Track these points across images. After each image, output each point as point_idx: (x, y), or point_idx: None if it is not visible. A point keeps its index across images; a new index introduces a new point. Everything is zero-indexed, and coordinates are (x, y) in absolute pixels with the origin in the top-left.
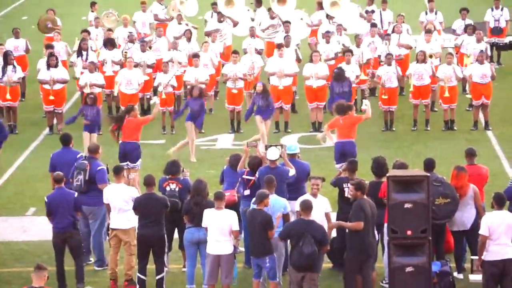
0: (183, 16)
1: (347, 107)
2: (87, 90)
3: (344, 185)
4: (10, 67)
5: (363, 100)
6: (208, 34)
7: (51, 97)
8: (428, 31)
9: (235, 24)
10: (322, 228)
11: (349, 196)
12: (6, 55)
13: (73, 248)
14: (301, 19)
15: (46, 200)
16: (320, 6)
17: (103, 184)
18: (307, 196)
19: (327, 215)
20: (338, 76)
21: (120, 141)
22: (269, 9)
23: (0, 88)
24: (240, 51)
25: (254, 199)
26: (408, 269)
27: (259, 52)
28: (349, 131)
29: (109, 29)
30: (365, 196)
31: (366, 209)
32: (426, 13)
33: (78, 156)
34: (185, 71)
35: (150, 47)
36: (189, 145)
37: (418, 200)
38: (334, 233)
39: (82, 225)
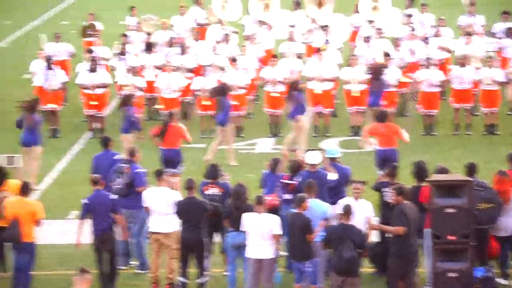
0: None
1: (387, 115)
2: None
3: (384, 190)
4: (51, 72)
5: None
6: (247, 38)
7: (93, 102)
8: (468, 34)
9: (271, 28)
10: (361, 233)
11: (391, 201)
12: (48, 60)
13: (110, 250)
14: (344, 21)
15: (87, 201)
16: (357, 9)
17: (142, 187)
18: (348, 200)
19: (368, 219)
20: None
21: (162, 148)
22: (307, 14)
23: (42, 93)
24: (279, 55)
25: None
26: (451, 274)
27: (299, 57)
28: (390, 138)
29: (148, 33)
30: (406, 201)
31: (408, 214)
32: (467, 16)
33: (116, 158)
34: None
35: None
36: (227, 149)
37: (460, 205)
38: (376, 238)
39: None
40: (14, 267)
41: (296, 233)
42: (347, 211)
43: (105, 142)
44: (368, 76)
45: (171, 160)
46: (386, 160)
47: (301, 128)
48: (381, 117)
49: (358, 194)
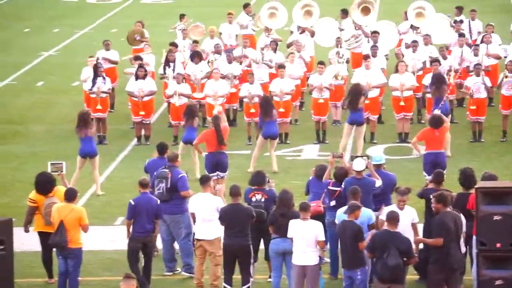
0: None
1: (443, 120)
2: (174, 101)
3: (431, 196)
4: (100, 79)
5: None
6: (289, 45)
7: (141, 112)
8: None
9: (312, 34)
10: (407, 240)
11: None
12: (96, 67)
13: (148, 254)
14: (395, 25)
15: (132, 203)
16: (406, 16)
17: (185, 192)
18: (393, 208)
19: (413, 226)
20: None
21: (210, 152)
22: (353, 21)
23: (90, 100)
24: (326, 62)
25: (343, 209)
26: (498, 282)
27: (347, 61)
28: (441, 142)
29: (195, 41)
30: (448, 209)
31: (447, 224)
32: None
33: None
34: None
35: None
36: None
37: (508, 212)
38: (421, 245)
39: (163, 234)
40: (60, 273)
41: (348, 241)
42: (393, 218)
43: (162, 149)
44: (429, 84)
45: (221, 162)
46: (436, 164)
47: (360, 134)
48: (438, 123)
49: (403, 207)
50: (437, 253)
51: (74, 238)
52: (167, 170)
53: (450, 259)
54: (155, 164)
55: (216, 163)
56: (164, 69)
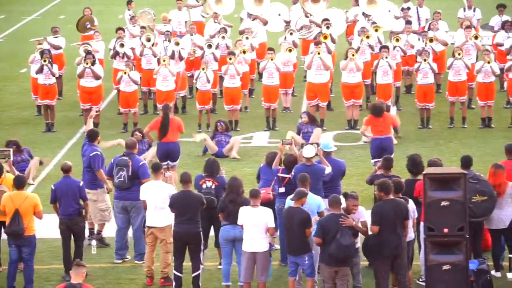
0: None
1: (385, 108)
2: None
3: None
4: (47, 66)
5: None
6: (241, 32)
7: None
8: (468, 27)
9: (265, 23)
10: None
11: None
12: (42, 53)
13: (76, 234)
14: (346, 11)
15: (53, 187)
16: (357, 2)
17: (146, 179)
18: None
19: (363, 223)
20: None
21: (160, 141)
22: (303, 9)
23: (38, 87)
24: (276, 48)
25: (291, 196)
26: (445, 267)
27: (295, 45)
28: (387, 128)
29: (143, 27)
30: (391, 196)
31: (384, 212)
32: (465, 10)
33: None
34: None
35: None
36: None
37: (455, 198)
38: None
39: (120, 222)
40: (11, 261)
41: (295, 228)
42: (335, 201)
43: (92, 136)
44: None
45: (172, 152)
46: (382, 149)
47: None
48: (380, 111)
49: (355, 212)
50: (377, 241)
51: (29, 225)
52: (127, 158)
53: (388, 247)
54: (87, 150)
55: (166, 152)
56: (116, 53)
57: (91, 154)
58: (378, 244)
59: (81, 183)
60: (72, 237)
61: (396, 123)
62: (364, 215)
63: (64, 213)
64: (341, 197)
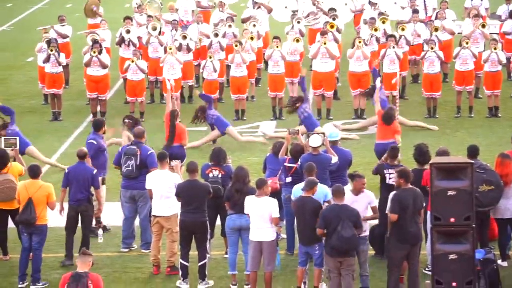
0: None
1: (394, 116)
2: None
3: (385, 171)
4: (54, 55)
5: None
6: (244, 21)
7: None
8: (476, 16)
9: (269, 10)
10: (355, 211)
11: (393, 183)
12: (49, 42)
13: (84, 222)
14: (345, 4)
15: (66, 170)
16: None
17: (155, 168)
18: (348, 191)
19: (373, 209)
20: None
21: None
22: None
23: (45, 75)
24: (282, 37)
25: (299, 185)
26: (451, 256)
27: (302, 34)
28: (392, 134)
29: (150, 16)
30: (409, 185)
31: (404, 200)
32: None
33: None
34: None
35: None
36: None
37: (462, 187)
38: (375, 221)
39: (126, 211)
40: (23, 249)
41: (307, 217)
42: (338, 191)
43: (97, 126)
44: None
45: (175, 156)
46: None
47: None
48: (390, 119)
49: (364, 190)
50: (395, 229)
51: (42, 214)
52: (135, 147)
53: (408, 235)
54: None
55: (170, 156)
56: (122, 40)
57: (87, 141)
58: (397, 232)
59: (95, 171)
60: (79, 224)
61: (399, 131)
62: (374, 200)
63: (74, 199)
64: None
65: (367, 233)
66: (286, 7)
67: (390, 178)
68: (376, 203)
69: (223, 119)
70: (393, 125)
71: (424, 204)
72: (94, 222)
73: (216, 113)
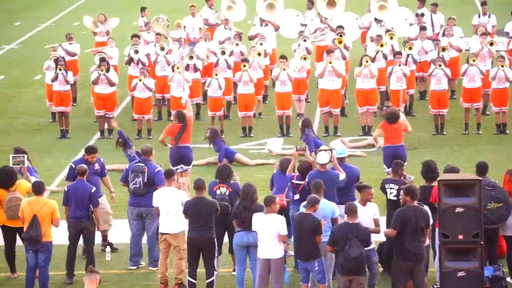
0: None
1: (399, 116)
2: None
3: (387, 186)
4: (61, 73)
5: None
6: (251, 38)
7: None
8: (484, 34)
9: (277, 28)
10: (366, 230)
11: (394, 198)
12: (57, 61)
13: (85, 239)
14: (356, 18)
15: (65, 189)
16: (370, 8)
17: (162, 185)
18: (356, 203)
19: (375, 221)
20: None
21: (173, 145)
22: (319, 13)
23: (52, 94)
24: (289, 55)
25: (304, 202)
26: (460, 273)
27: (309, 52)
28: (400, 136)
29: (158, 34)
30: (415, 202)
31: (406, 217)
32: (479, 16)
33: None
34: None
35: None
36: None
37: (470, 204)
38: (383, 237)
39: (134, 229)
40: (28, 268)
41: (305, 234)
42: (351, 209)
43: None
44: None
45: (184, 156)
46: (395, 157)
47: None
48: (395, 118)
49: (372, 199)
50: (396, 245)
51: (47, 232)
52: (143, 165)
53: (407, 252)
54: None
55: (180, 157)
56: (131, 59)
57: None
58: (398, 250)
59: (93, 189)
60: (82, 241)
61: (408, 128)
62: (377, 213)
63: (73, 216)
64: (356, 203)
65: (373, 245)
66: (297, 16)
67: (390, 193)
68: (379, 216)
69: (231, 149)
70: (398, 124)
71: (432, 221)
72: (101, 239)
73: (223, 145)
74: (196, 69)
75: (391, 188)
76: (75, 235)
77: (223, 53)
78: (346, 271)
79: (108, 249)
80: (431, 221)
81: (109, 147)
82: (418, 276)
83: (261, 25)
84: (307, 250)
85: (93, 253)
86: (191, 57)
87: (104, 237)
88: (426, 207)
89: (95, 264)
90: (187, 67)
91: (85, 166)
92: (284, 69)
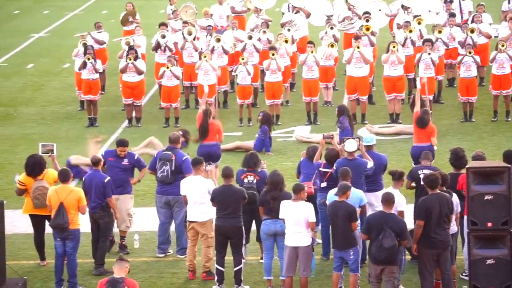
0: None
1: (428, 121)
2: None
3: (420, 172)
4: (90, 61)
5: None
6: (282, 25)
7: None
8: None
9: (308, 15)
10: (402, 221)
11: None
12: (86, 48)
13: (100, 228)
14: (379, 10)
15: (83, 179)
16: None
17: (189, 174)
18: (391, 190)
19: (400, 213)
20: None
21: (202, 143)
22: (347, 0)
23: (81, 82)
24: (317, 42)
25: (334, 190)
26: (489, 261)
27: (336, 39)
28: (428, 137)
29: (185, 22)
30: (437, 190)
31: (430, 206)
32: (509, 2)
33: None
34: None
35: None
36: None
37: (499, 191)
38: (412, 225)
39: (162, 217)
40: (57, 255)
41: (340, 222)
42: (388, 199)
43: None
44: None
45: (213, 154)
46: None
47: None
48: (425, 123)
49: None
50: (422, 234)
51: (74, 219)
52: (170, 153)
53: (433, 240)
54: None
55: (208, 154)
56: (158, 45)
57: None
58: (423, 238)
59: (107, 179)
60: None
61: (435, 135)
62: (402, 204)
63: (90, 207)
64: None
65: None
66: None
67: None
68: (403, 207)
69: (267, 141)
70: (427, 128)
71: (460, 209)
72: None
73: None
74: (225, 52)
75: (424, 174)
76: (94, 225)
77: (250, 37)
78: (378, 261)
79: (136, 236)
80: (458, 209)
81: (136, 135)
82: (444, 264)
83: (293, 12)
84: (343, 239)
85: (106, 247)
86: (218, 40)
87: (122, 237)
88: (454, 194)
89: (103, 259)
90: (212, 50)
91: (98, 156)
92: (312, 52)
